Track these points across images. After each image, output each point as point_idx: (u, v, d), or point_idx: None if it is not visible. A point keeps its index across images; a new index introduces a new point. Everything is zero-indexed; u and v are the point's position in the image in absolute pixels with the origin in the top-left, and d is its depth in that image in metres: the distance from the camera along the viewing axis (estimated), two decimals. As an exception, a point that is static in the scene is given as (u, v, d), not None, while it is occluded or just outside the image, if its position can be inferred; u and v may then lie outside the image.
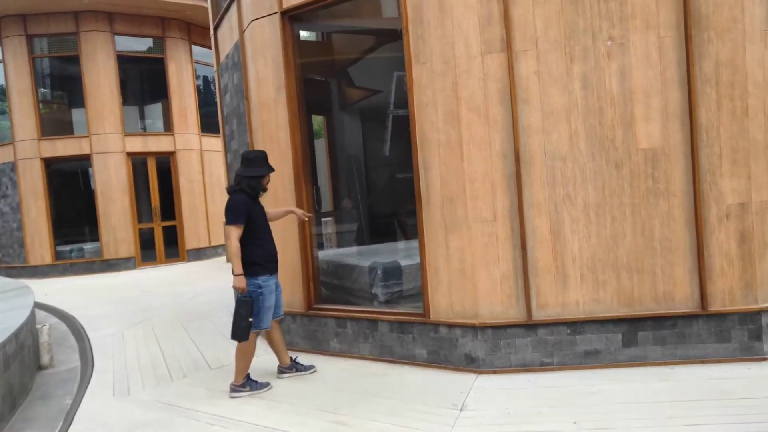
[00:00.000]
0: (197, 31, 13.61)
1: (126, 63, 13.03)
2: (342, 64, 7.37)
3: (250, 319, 3.69)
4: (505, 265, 3.78)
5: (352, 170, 9.24)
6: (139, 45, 13.15)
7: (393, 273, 5.15)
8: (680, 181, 3.66)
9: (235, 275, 3.72)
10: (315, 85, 8.38)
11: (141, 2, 12.17)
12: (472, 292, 3.82)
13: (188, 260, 12.88)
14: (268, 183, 3.97)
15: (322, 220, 9.40)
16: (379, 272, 5.13)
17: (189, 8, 12.58)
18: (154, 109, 13.58)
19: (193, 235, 12.96)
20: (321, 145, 9.61)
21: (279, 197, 4.69)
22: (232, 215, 3.75)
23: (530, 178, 3.73)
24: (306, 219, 4.32)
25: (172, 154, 12.92)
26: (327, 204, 8.79)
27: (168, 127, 13.10)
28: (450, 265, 3.87)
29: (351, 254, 6.23)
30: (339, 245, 9.27)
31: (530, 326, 3.76)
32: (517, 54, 3.73)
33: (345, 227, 9.29)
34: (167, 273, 11.38)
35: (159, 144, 12.81)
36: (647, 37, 3.66)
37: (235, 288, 3.76)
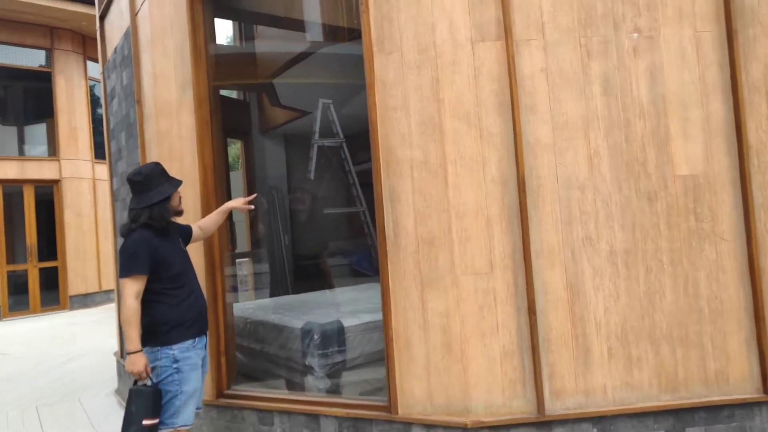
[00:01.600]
0: (94, 45, 11.82)
1: (4, 76, 10.97)
2: (266, 71, 6.12)
3: (149, 422, 2.29)
4: (506, 336, 2.65)
5: (273, 204, 7.90)
6: (23, 57, 11.15)
7: (334, 338, 3.88)
8: (729, 220, 2.74)
9: (129, 353, 2.33)
10: (230, 103, 7.05)
11: (23, 8, 10.29)
12: (461, 375, 2.64)
13: (72, 308, 10.71)
14: (180, 202, 2.62)
15: (237, 261, 7.92)
16: (315, 337, 3.84)
17: (83, 18, 10.83)
18: (37, 131, 11.48)
19: (78, 278, 10.83)
20: (237, 177, 8.19)
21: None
22: (127, 264, 2.37)
23: (538, 213, 2.67)
24: (252, 208, 2.95)
25: (56, 182, 10.86)
26: (243, 243, 7.37)
27: (53, 151, 11.07)
28: (428, 336, 2.69)
29: (275, 308, 4.88)
30: (258, 293, 7.83)
31: (543, 424, 2.62)
32: (518, 44, 2.71)
33: (264, 271, 7.88)
34: (41, 325, 9.24)
35: (40, 171, 10.71)
36: (681, 30, 2.77)
37: (129, 373, 2.35)
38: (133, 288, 2.33)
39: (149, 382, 2.34)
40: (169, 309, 2.41)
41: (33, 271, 10.45)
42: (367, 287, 5.98)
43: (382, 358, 4.16)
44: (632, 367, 2.68)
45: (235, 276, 8.02)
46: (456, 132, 2.68)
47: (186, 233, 2.75)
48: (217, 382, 3.24)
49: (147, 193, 2.47)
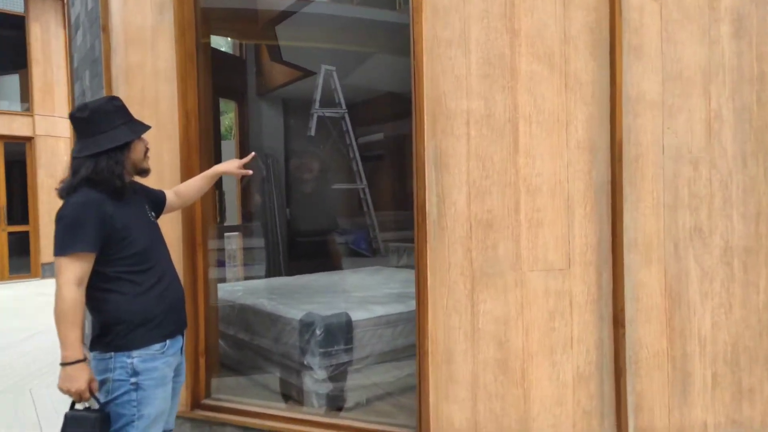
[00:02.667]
0: (77, -7, 10.84)
1: (-27, 20, 10.01)
2: (268, 17, 5.32)
3: None
4: (583, 354, 2.00)
5: (269, 174, 7.17)
6: (-4, 0, 10.18)
7: (339, 333, 3.21)
8: None
9: (63, 364, 1.62)
10: (224, 59, 6.27)
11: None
12: (520, 403, 1.99)
13: (43, 276, 9.94)
14: (146, 156, 1.88)
15: (226, 235, 7.18)
16: (317, 331, 3.16)
17: (66, -41, 9.85)
18: (8, 82, 10.54)
19: (51, 245, 10.03)
20: (230, 146, 7.44)
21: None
22: (64, 237, 1.65)
23: (636, 192, 1.99)
24: (249, 173, 2.22)
25: (29, 140, 9.98)
26: (234, 215, 6.65)
27: (27, 106, 10.16)
28: (478, 349, 2.02)
29: (268, 292, 4.19)
30: (248, 269, 7.13)
31: (627, 472, 1.99)
32: (621, -38, 2.01)
33: (256, 246, 7.18)
34: (6, 294, 8.49)
35: (10, 126, 9.80)
36: (834, -40, 2.09)
37: (65, 392, 1.64)
38: (73, 271, 1.61)
39: (95, 405, 1.64)
40: (128, 301, 1.70)
41: (1, 236, 9.64)
42: (375, 271, 5.30)
43: (396, 358, 3.52)
44: (742, 400, 2.04)
45: (222, 250, 7.32)
46: (533, 77, 1.97)
47: (158, 200, 2.02)
48: (192, 389, 2.56)
49: (94, 138, 1.72)
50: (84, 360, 1.64)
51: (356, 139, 7.48)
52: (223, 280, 7.02)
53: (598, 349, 1.98)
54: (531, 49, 1.96)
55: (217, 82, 6.23)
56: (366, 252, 7.83)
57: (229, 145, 7.97)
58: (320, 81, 7.19)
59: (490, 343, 2.00)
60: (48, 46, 10.30)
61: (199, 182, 2.18)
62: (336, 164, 7.44)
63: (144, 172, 1.86)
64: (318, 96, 7.29)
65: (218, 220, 6.21)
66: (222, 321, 3.87)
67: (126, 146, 1.76)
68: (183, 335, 1.90)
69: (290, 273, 5.69)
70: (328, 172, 7.56)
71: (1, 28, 10.38)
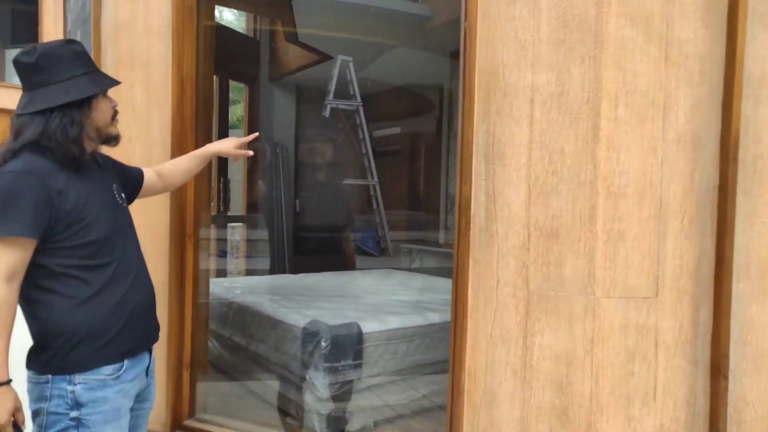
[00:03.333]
0: (93, -31, 10.39)
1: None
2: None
3: None
4: (668, 410, 1.52)
5: (277, 163, 6.72)
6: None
7: (348, 347, 2.74)
8: None
9: None
10: (236, 38, 5.81)
11: None
12: (584, 467, 1.53)
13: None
14: (115, 120, 1.40)
15: (229, 225, 6.75)
16: (322, 343, 2.70)
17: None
18: (18, 56, 10.11)
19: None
20: (239, 134, 6.99)
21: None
22: None
23: (752, 203, 1.50)
24: (250, 154, 1.76)
25: (36, 116, 9.53)
26: (238, 205, 6.20)
27: None
28: (530, 392, 1.55)
29: (270, 292, 3.73)
30: (250, 262, 6.70)
31: None
32: None
33: (260, 238, 6.74)
34: None
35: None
36: None
37: None
38: (4, 261, 1.17)
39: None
40: (73, 306, 1.23)
41: None
42: (386, 274, 4.83)
43: (410, 377, 3.05)
44: None
45: (224, 240, 6.88)
46: (624, 46, 1.49)
47: (132, 179, 1.57)
48: (174, 408, 2.09)
49: (44, 90, 1.26)
50: (8, 383, 1.18)
51: (370, 134, 7.05)
52: (223, 272, 6.59)
53: (689, 405, 1.50)
54: (623, 9, 1.48)
55: (228, 63, 5.78)
56: (373, 251, 7.38)
57: (237, 134, 7.50)
58: (335, 71, 6.75)
59: (547, 386, 1.53)
60: (60, 19, 9.86)
61: (187, 163, 1.71)
62: (347, 158, 7.02)
63: (112, 139, 1.40)
64: (332, 87, 6.86)
65: (222, 209, 5.76)
66: (216, 320, 3.42)
67: (86, 103, 1.30)
68: (151, 352, 1.44)
69: (295, 270, 5.22)
70: (340, 165, 7.12)
71: (14, 1, 9.97)
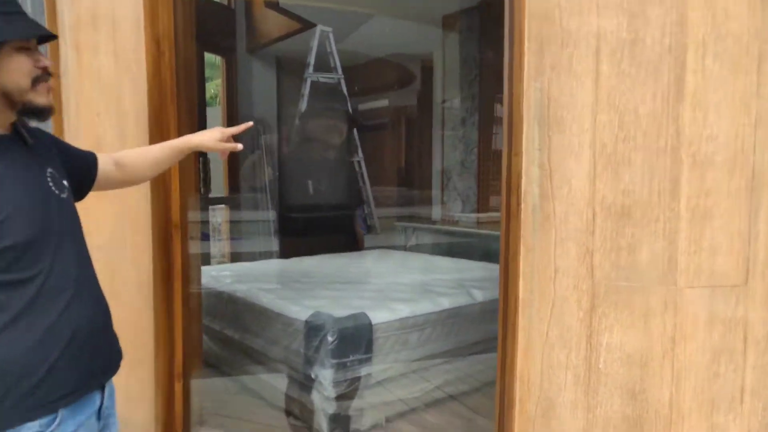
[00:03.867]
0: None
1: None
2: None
3: None
4: (756, 414, 1.29)
5: (259, 140, 6.34)
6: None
7: (357, 340, 2.48)
8: None
9: None
10: (211, 7, 5.38)
11: None
12: (665, 486, 1.30)
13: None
14: (42, 82, 0.98)
15: (211, 208, 6.38)
16: (328, 338, 2.43)
17: None
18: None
19: None
20: (215, 113, 6.60)
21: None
22: None
23: None
24: (239, 148, 1.41)
25: None
26: (220, 186, 5.84)
27: None
28: (596, 399, 1.30)
29: (263, 279, 3.43)
30: (234, 246, 6.37)
31: None
32: None
33: (244, 219, 6.41)
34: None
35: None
36: None
37: None
38: None
39: None
40: None
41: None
42: (382, 255, 4.57)
43: (423, 368, 2.82)
44: None
45: (206, 222, 6.53)
46: (714, -20, 1.22)
47: (81, 164, 1.19)
48: (165, 424, 1.80)
49: None
50: None
51: (354, 108, 6.73)
52: (207, 256, 6.25)
53: (784, 407, 1.28)
54: (713, -66, 1.20)
55: (202, 34, 5.35)
56: (360, 228, 7.13)
57: (214, 112, 7.12)
58: (315, 43, 6.38)
59: (617, 393, 1.28)
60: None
61: (158, 153, 1.30)
62: (330, 134, 6.70)
63: (39, 112, 1.00)
64: (312, 59, 6.48)
65: (202, 190, 5.40)
66: (205, 312, 3.13)
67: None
68: (103, 390, 1.09)
69: (285, 253, 4.92)
70: (321, 142, 6.79)
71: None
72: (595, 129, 1.28)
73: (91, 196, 1.33)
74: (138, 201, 1.77)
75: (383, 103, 7.47)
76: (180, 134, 1.84)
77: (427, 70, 6.56)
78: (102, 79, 1.83)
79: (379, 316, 2.55)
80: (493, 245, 4.64)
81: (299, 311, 2.58)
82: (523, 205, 1.33)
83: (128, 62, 1.78)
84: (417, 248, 5.10)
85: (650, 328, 1.25)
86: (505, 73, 1.37)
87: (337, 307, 2.64)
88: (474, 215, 4.68)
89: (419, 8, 5.58)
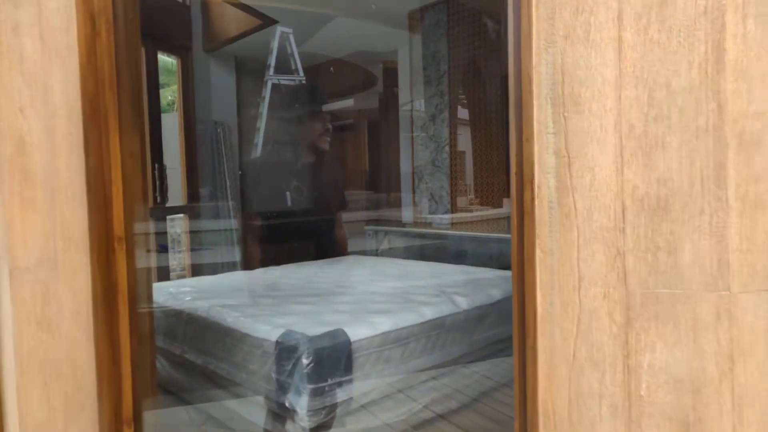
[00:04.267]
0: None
1: None
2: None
3: None
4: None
5: (219, 145, 6.00)
6: None
7: (335, 360, 2.22)
8: None
9: None
10: (163, 3, 5.03)
11: None
12: None
13: None
14: None
15: (169, 218, 6.03)
16: (303, 360, 2.16)
17: None
18: None
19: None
20: (173, 119, 6.26)
21: (37, 173, 1.45)
22: None
23: None
24: None
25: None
26: (178, 194, 5.48)
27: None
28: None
29: (226, 294, 3.13)
30: (195, 258, 6.04)
31: None
32: None
33: (204, 229, 6.09)
34: None
35: None
36: None
37: None
38: None
39: None
40: None
41: None
42: (354, 262, 4.32)
43: (408, 386, 2.58)
44: None
45: (164, 234, 6.14)
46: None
47: None
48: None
49: None
50: None
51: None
52: (165, 270, 5.88)
53: None
54: None
55: (156, 32, 4.99)
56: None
57: (171, 119, 6.77)
58: (275, 44, 6.13)
59: (665, 426, 1.07)
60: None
61: None
62: (293, 136, 6.44)
63: None
64: (272, 61, 6.23)
65: (158, 200, 5.03)
66: (162, 335, 2.82)
67: None
68: None
69: (249, 263, 4.61)
70: (283, 144, 6.52)
71: None
72: (620, 108, 1.07)
73: (15, 207, 1.04)
74: (72, 212, 1.47)
75: (347, 104, 7.24)
76: (123, 131, 1.56)
77: (392, 69, 6.36)
78: (25, 65, 1.53)
79: (358, 332, 2.30)
80: (467, 246, 4.46)
81: (268, 331, 2.31)
82: (537, 200, 1.11)
83: (57, 44, 1.48)
84: (389, 253, 4.87)
85: (701, 344, 1.04)
86: (510, 45, 1.15)
87: (311, 323, 2.38)
88: (448, 216, 4.50)
89: (382, 6, 5.39)
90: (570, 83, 1.09)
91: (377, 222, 6.09)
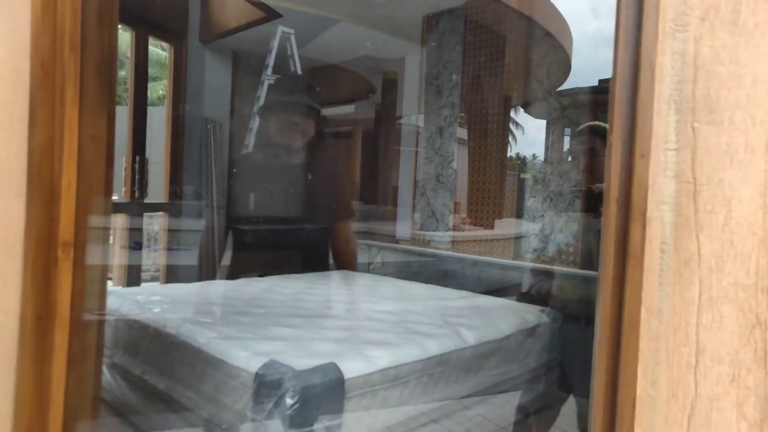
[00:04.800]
0: None
1: None
2: None
3: None
4: None
5: (208, 143, 5.64)
6: None
7: (324, 400, 1.87)
8: None
9: None
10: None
11: None
12: None
13: None
14: None
15: (146, 215, 5.65)
16: (287, 399, 1.80)
17: None
18: None
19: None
20: (160, 112, 5.91)
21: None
22: None
23: None
24: None
25: None
26: (158, 191, 5.10)
27: None
28: None
29: (200, 309, 2.76)
30: (171, 258, 5.66)
31: None
32: None
33: (184, 229, 5.71)
34: None
35: None
36: None
37: None
38: None
39: None
40: None
41: None
42: (344, 278, 3.96)
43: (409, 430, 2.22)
44: None
45: (140, 230, 5.75)
46: None
47: None
48: None
49: None
50: None
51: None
52: (137, 269, 5.48)
53: None
54: None
55: (148, 14, 4.63)
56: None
57: (159, 112, 6.41)
58: (275, 44, 5.83)
59: None
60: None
61: None
62: (293, 136, 6.12)
63: None
64: (271, 61, 5.92)
65: (137, 195, 4.65)
66: (123, 349, 2.45)
67: None
68: None
69: (231, 272, 4.23)
70: (276, 148, 6.19)
71: None
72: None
73: None
74: (5, 205, 1.12)
75: (347, 110, 6.94)
76: (84, 106, 1.21)
77: (392, 80, 6.09)
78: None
79: (352, 368, 1.95)
80: (468, 270, 4.14)
81: (247, 359, 1.95)
82: (646, 239, 0.79)
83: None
84: (382, 270, 4.54)
85: None
86: (619, 25, 0.84)
87: (297, 353, 2.03)
88: (448, 234, 4.19)
89: (394, 11, 5.11)
90: (705, 83, 0.78)
91: (365, 234, 5.75)
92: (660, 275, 0.80)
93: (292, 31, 6.00)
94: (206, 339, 2.14)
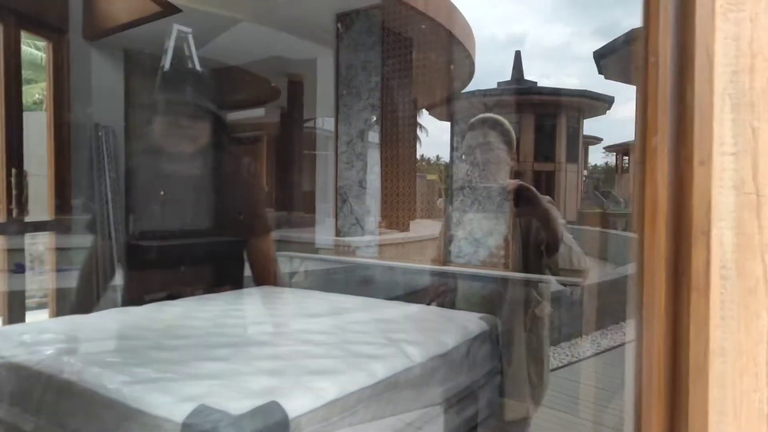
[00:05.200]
0: None
1: None
2: None
3: None
4: None
5: (99, 151, 5.02)
6: None
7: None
8: None
9: None
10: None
11: None
12: None
13: None
14: None
15: (29, 235, 4.97)
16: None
17: None
18: None
19: None
20: (39, 118, 5.20)
21: None
22: None
23: None
24: None
25: None
26: (43, 206, 4.45)
27: None
28: None
29: (103, 347, 2.34)
30: (61, 280, 5.02)
31: None
32: None
33: (74, 247, 5.03)
34: None
35: None
36: None
37: None
38: None
39: None
40: None
41: None
42: (267, 295, 3.64)
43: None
44: None
45: (21, 251, 5.04)
46: None
47: None
48: None
49: None
50: None
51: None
52: (20, 295, 4.79)
53: None
54: None
55: (21, 6, 4.05)
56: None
57: (36, 117, 5.64)
58: (171, 44, 5.37)
59: None
60: None
61: None
62: (191, 139, 5.67)
63: None
64: (167, 62, 5.45)
65: (15, 213, 4.01)
66: (7, 401, 2.01)
67: None
68: None
69: (132, 296, 3.74)
70: (179, 155, 5.69)
71: None
72: None
73: None
74: None
75: (255, 114, 6.57)
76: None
77: (302, 81, 5.82)
78: None
79: (297, 405, 1.71)
80: (397, 277, 4.00)
81: (171, 406, 1.64)
82: (711, 264, 0.65)
83: None
84: (305, 283, 4.27)
85: None
86: (646, 5, 0.69)
87: (230, 392, 1.75)
88: (374, 239, 4.01)
89: (301, 11, 4.85)
90: (765, 72, 0.65)
91: (285, 244, 5.43)
92: (721, 308, 0.66)
93: (189, 30, 5.54)
94: (116, 384, 1.79)
